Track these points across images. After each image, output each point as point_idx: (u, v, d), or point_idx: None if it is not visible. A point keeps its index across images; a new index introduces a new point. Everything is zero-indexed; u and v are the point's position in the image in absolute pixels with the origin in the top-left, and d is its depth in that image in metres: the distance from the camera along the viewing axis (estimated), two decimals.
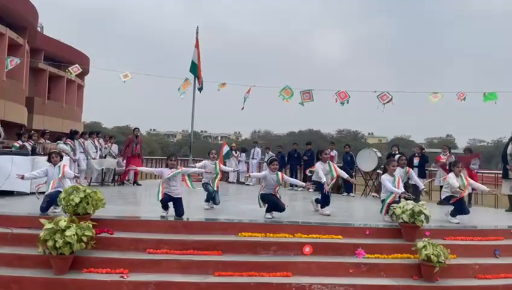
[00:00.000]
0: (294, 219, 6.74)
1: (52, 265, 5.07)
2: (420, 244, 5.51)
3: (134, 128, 12.94)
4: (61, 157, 6.92)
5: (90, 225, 5.30)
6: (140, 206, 8.29)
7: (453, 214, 7.10)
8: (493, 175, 11.91)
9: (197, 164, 8.52)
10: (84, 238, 5.11)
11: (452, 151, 10.74)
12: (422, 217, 6.00)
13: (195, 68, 13.43)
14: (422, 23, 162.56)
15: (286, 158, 13.78)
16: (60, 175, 6.56)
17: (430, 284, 5.39)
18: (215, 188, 7.64)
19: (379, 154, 12.26)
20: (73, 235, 4.97)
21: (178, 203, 6.50)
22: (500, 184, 10.48)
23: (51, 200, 6.37)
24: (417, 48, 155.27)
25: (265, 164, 14.23)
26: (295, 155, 13.54)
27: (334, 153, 12.95)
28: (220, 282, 5.14)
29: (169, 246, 5.62)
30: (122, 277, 5.05)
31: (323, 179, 7.37)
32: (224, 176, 15.63)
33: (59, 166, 6.67)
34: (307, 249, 5.80)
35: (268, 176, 6.98)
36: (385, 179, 7.19)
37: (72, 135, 11.25)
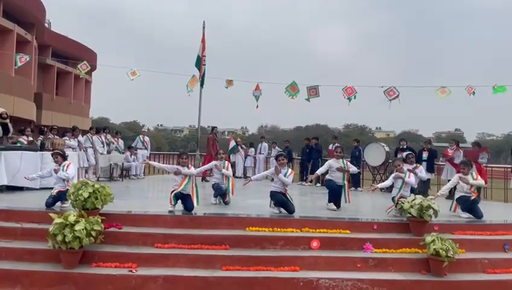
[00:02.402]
0: (301, 213, 6.73)
1: (61, 259, 5.12)
2: (428, 238, 5.49)
3: (214, 127, 13.11)
4: (64, 157, 6.94)
5: (99, 220, 5.34)
6: (148, 201, 8.33)
7: (463, 208, 7.04)
8: (502, 169, 11.76)
9: (206, 166, 8.53)
10: (93, 233, 5.15)
11: (460, 145, 10.64)
12: (430, 211, 5.97)
13: (199, 62, 13.40)
14: (428, 17, 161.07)
15: (306, 153, 13.70)
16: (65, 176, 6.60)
17: (438, 279, 5.37)
18: (231, 194, 7.63)
19: (387, 149, 12.21)
20: (83, 229, 5.01)
21: (187, 199, 6.54)
22: (510, 178, 10.40)
23: (57, 196, 6.45)
24: (423, 42, 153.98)
25: (272, 159, 14.25)
26: (316, 149, 13.36)
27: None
28: (228, 276, 5.16)
29: (177, 240, 5.65)
30: (130, 271, 5.10)
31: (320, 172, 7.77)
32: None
33: (63, 166, 6.73)
34: (315, 243, 5.80)
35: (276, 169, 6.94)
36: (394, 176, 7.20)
37: (74, 130, 11.32)
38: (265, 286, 5.12)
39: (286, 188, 6.86)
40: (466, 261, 5.67)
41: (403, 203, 6.26)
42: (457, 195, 7.28)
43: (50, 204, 6.39)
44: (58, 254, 5.13)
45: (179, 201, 6.55)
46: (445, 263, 5.30)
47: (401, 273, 5.48)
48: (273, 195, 6.84)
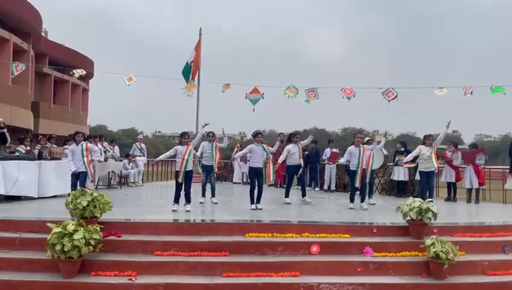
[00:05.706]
0: (301, 218, 6.73)
1: (60, 269, 5.10)
2: (428, 241, 5.49)
3: (281, 133, 13.26)
4: (85, 138, 7.19)
5: (98, 228, 5.31)
6: (147, 209, 8.30)
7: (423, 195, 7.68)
8: (500, 170, 11.77)
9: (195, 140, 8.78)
10: (92, 242, 5.12)
11: (458, 147, 10.64)
12: (429, 214, 5.97)
13: (187, 70, 13.32)
14: (427, 19, 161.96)
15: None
16: (85, 153, 6.86)
17: (439, 282, 5.36)
18: (215, 170, 8.60)
19: (385, 152, 12.19)
20: (81, 238, 4.99)
21: (189, 177, 7.14)
22: (506, 180, 10.40)
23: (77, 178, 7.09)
24: (418, 44, 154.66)
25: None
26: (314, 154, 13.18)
27: (336, 150, 12.87)
28: (228, 283, 5.14)
29: (176, 247, 5.63)
30: (130, 279, 5.07)
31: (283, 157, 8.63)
32: (229, 175, 15.65)
33: (82, 144, 6.92)
34: (314, 248, 5.78)
35: (254, 148, 7.68)
36: (349, 149, 8.33)
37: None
38: None
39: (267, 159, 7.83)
40: (466, 264, 5.65)
41: (403, 205, 6.25)
42: (420, 167, 8.35)
43: (73, 185, 6.93)
44: (57, 264, 5.10)
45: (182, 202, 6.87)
46: (446, 265, 5.29)
47: (401, 276, 5.47)
48: (251, 170, 7.76)
